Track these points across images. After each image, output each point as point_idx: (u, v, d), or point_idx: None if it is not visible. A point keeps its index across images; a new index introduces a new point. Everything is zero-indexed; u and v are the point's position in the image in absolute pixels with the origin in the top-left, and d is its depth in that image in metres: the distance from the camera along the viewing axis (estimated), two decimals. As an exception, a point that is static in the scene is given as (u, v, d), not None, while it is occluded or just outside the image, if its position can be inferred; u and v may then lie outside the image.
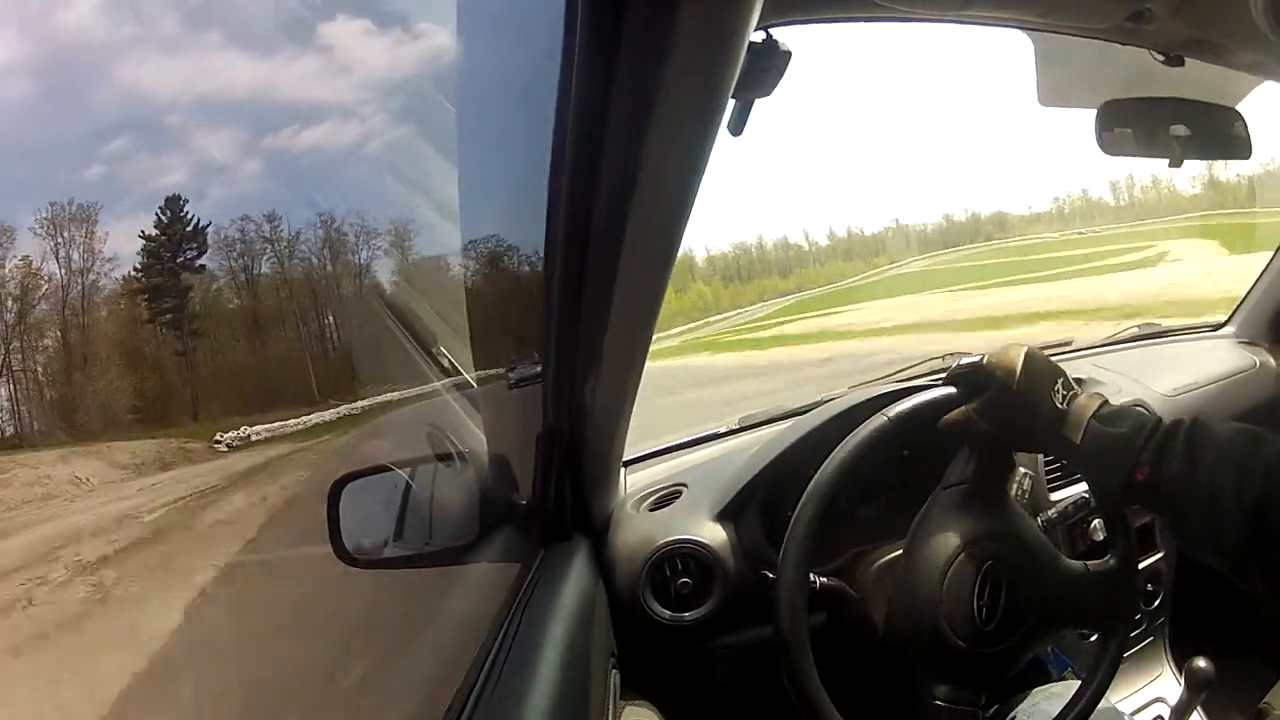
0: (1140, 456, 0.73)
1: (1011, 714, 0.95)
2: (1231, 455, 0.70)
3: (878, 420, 0.87)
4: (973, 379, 0.84)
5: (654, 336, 0.76)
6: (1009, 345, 0.82)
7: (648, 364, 0.78)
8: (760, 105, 0.67)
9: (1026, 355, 0.80)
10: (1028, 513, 0.90)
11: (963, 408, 0.84)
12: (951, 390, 0.87)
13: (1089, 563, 0.86)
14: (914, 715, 0.83)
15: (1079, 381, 0.82)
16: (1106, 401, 0.79)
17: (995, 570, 0.81)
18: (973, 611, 0.80)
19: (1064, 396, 0.79)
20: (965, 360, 0.96)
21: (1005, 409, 0.80)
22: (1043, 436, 0.80)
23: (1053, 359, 0.82)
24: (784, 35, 0.61)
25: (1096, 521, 1.13)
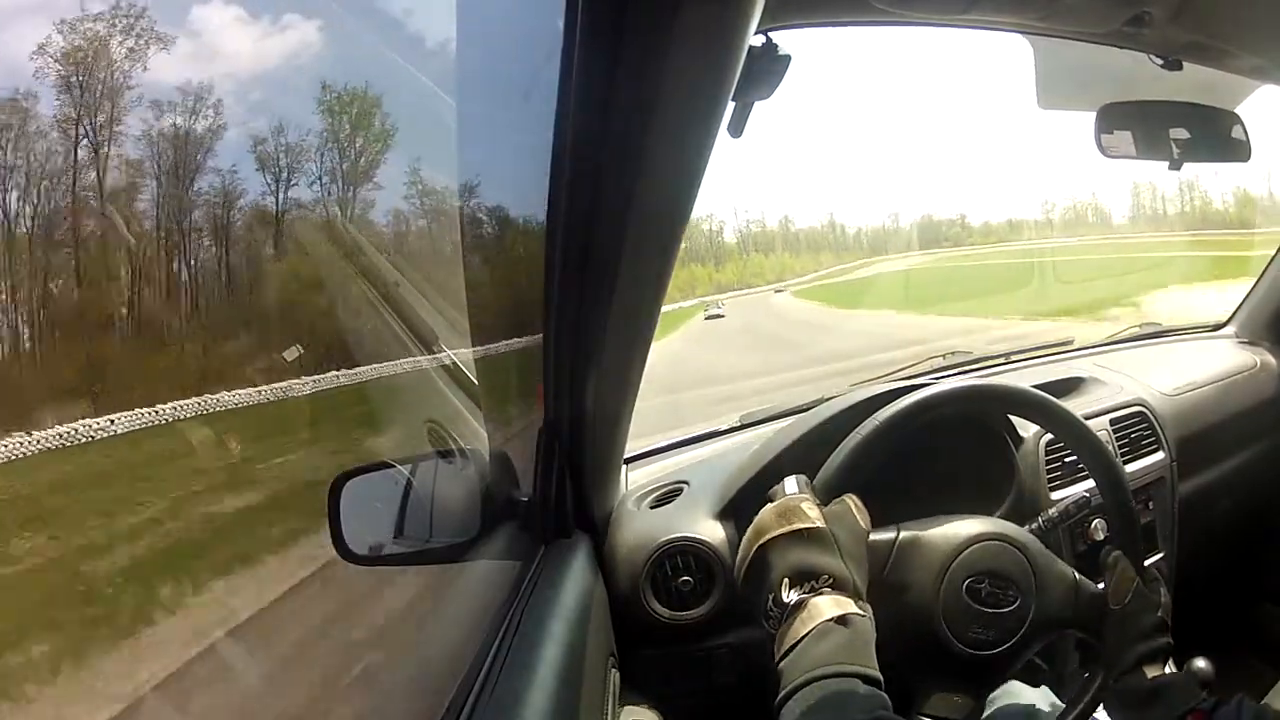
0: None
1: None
2: None
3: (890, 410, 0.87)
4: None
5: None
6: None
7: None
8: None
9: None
10: (1028, 512, 0.90)
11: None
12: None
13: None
14: (908, 714, 0.83)
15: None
16: None
17: (993, 571, 0.80)
18: (970, 614, 0.79)
19: None
20: None
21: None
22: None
23: None
24: (783, 39, 0.62)
25: (1097, 521, 1.13)
